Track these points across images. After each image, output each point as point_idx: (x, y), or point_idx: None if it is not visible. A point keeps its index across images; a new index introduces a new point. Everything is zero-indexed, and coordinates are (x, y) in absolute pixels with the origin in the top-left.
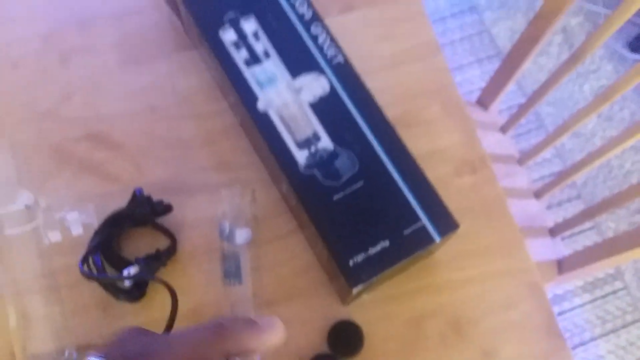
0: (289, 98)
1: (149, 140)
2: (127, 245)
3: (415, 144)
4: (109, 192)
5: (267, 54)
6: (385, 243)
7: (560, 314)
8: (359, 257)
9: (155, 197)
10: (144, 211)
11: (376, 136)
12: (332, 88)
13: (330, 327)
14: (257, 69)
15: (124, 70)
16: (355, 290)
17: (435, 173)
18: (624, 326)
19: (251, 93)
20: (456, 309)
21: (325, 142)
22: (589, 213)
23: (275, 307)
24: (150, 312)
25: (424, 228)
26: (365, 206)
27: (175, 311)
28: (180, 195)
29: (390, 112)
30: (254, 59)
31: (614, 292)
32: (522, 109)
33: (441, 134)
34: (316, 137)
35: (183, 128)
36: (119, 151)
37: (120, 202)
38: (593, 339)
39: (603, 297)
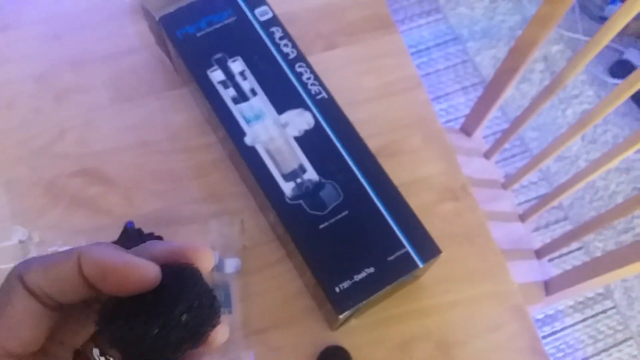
0: (275, 133)
1: (141, 174)
2: None
3: (398, 173)
4: (101, 225)
5: (253, 92)
6: (370, 269)
7: (552, 334)
8: (345, 284)
9: (147, 229)
10: (134, 244)
11: (359, 167)
12: (317, 122)
13: (320, 352)
14: (244, 106)
15: (116, 107)
16: (342, 316)
17: (418, 201)
18: (615, 345)
19: (239, 129)
20: (443, 332)
21: (311, 174)
22: (575, 234)
23: (265, 335)
24: None
25: (407, 254)
26: (350, 234)
27: None
28: (172, 227)
29: (374, 142)
30: (241, 96)
31: (604, 311)
32: (506, 134)
33: (423, 163)
34: (302, 169)
35: (174, 162)
36: (112, 185)
37: (112, 235)
38: (585, 359)
39: (593, 316)
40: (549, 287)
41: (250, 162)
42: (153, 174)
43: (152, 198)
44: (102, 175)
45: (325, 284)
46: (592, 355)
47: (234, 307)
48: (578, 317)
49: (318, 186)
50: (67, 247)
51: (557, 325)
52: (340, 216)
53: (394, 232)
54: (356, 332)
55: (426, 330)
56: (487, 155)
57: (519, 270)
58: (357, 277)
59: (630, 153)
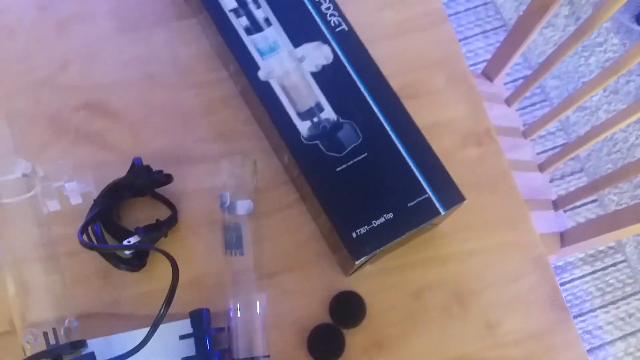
0: (290, 67)
1: (148, 109)
2: (127, 215)
3: (419, 115)
4: (107, 161)
5: (268, 22)
6: (389, 215)
7: (560, 285)
8: (362, 230)
9: (155, 167)
10: (143, 181)
11: (380, 107)
12: (336, 57)
13: (332, 297)
14: (257, 37)
15: (121, 38)
16: (358, 262)
17: (439, 145)
18: (623, 298)
19: (252, 62)
20: (460, 281)
21: (329, 113)
22: (593, 187)
23: (277, 278)
24: (152, 282)
25: (428, 200)
26: (368, 178)
27: (176, 281)
28: (181, 166)
29: (394, 82)
30: (254, 26)
31: (615, 264)
32: (528, 82)
33: (446, 105)
34: (319, 108)
35: (182, 97)
36: (118, 120)
37: (119, 171)
38: (592, 310)
39: (603, 269)
40: (565, 238)
41: (263, 98)
42: (161, 110)
43: (160, 135)
44: (108, 109)
45: (342, 229)
46: (600, 307)
47: (246, 249)
48: (587, 269)
49: (336, 126)
50: (73, 183)
51: (566, 277)
52: (358, 158)
53: (415, 176)
54: (370, 278)
55: (442, 279)
56: (508, 102)
57: (536, 220)
58: (375, 223)
59: None
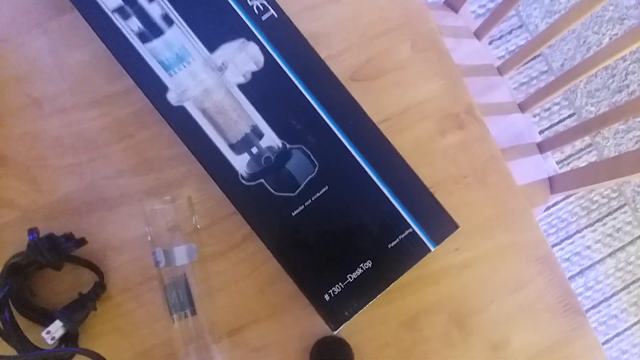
0: (210, 82)
1: (42, 145)
2: (44, 287)
3: (384, 101)
4: (2, 224)
5: (168, 20)
6: (367, 264)
7: (544, 210)
8: (336, 289)
9: (62, 225)
10: (46, 258)
11: (336, 119)
12: (268, 57)
13: (312, 346)
14: (157, 44)
15: None
16: (338, 330)
17: (412, 136)
18: (609, 213)
19: (156, 81)
20: (457, 300)
21: (271, 139)
22: (582, 129)
23: (242, 334)
24: None
25: (414, 235)
26: (334, 219)
27: None
28: (96, 213)
29: (347, 63)
30: (151, 29)
31: None
32: (500, 9)
33: (415, 82)
34: (257, 133)
35: (83, 121)
36: (5, 166)
37: (20, 233)
38: (579, 231)
39: None
40: (554, 184)
41: (180, 130)
42: (58, 143)
43: (64, 176)
44: None
45: (311, 292)
46: (586, 227)
47: (198, 306)
48: None
49: (283, 155)
50: None
51: (549, 201)
52: (318, 195)
53: (393, 207)
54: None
55: (436, 301)
56: (478, 34)
57: (522, 169)
58: (352, 277)
59: None
